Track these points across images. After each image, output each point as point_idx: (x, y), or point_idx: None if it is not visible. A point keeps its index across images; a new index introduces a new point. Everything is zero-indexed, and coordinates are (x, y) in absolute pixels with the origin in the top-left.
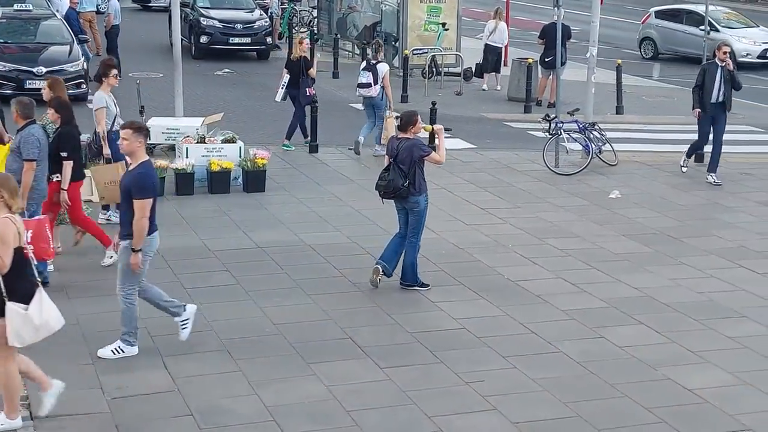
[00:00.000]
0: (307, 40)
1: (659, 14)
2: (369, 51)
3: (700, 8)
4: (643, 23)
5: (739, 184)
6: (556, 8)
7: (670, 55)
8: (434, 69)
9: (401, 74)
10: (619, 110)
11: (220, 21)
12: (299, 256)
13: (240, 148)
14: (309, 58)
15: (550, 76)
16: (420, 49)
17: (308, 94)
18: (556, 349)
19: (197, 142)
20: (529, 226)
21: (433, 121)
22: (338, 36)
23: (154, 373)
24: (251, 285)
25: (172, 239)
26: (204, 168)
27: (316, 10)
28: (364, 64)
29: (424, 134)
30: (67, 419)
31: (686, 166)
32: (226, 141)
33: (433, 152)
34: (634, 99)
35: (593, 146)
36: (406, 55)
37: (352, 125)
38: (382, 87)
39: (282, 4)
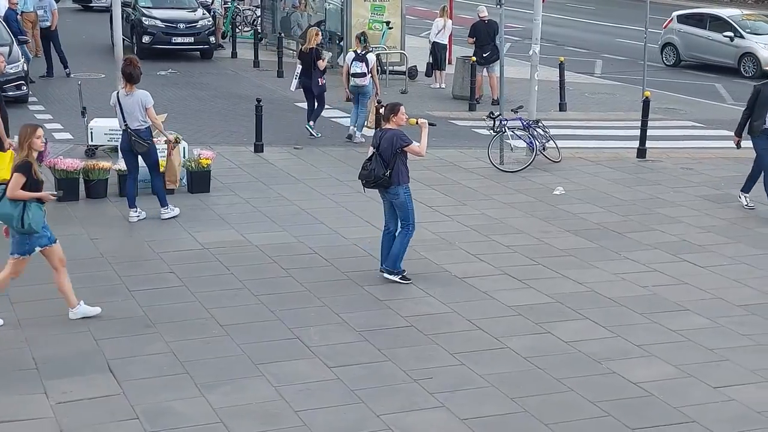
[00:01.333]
0: (320, 32)
1: (682, 19)
2: (357, 41)
3: (724, 12)
4: (664, 28)
5: (680, 180)
6: (498, 6)
7: (693, 62)
8: (379, 67)
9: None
10: (562, 107)
11: (163, 21)
12: (246, 256)
13: (183, 148)
14: (319, 49)
15: (485, 74)
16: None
17: (320, 83)
18: (503, 345)
19: None
20: (475, 223)
21: (378, 120)
22: (282, 35)
23: (99, 376)
24: (197, 286)
25: (116, 241)
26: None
27: (259, 9)
28: (352, 55)
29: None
30: (10, 425)
31: (749, 204)
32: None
33: (414, 143)
34: (577, 96)
35: (537, 143)
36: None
37: (297, 124)
38: (370, 76)
39: (225, 3)
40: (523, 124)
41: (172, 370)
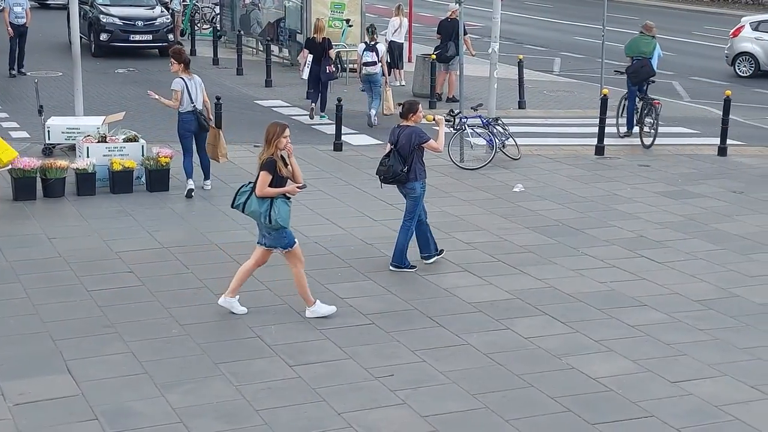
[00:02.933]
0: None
1: (757, 25)
2: (366, 34)
3: None
4: (734, 36)
5: (637, 176)
6: (457, 4)
7: None
8: (339, 65)
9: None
10: (521, 105)
11: (121, 18)
12: (206, 255)
13: (142, 146)
14: (330, 39)
15: (447, 71)
16: None
17: (328, 71)
18: (464, 342)
19: (98, 142)
20: (435, 220)
21: (339, 118)
22: (241, 33)
23: (57, 377)
24: (157, 286)
25: (74, 241)
26: (106, 168)
27: (218, 7)
28: (363, 45)
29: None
30: None
31: None
32: (128, 140)
33: (432, 140)
34: (536, 94)
35: (497, 141)
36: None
37: (257, 122)
38: (382, 64)
39: (183, 0)
40: (482, 121)
41: (131, 370)
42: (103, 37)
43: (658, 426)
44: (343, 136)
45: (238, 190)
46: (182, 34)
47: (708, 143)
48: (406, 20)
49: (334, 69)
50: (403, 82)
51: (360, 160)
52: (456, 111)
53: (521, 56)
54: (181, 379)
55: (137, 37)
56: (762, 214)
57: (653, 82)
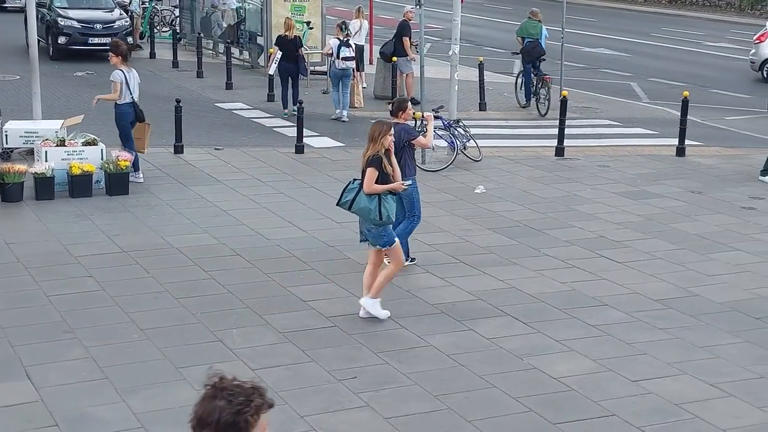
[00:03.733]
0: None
1: None
2: (339, 30)
3: None
4: (759, 42)
5: (597, 177)
6: (418, 7)
7: None
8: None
9: (266, 74)
10: (482, 107)
11: (79, 21)
12: (166, 259)
13: (101, 150)
14: (300, 37)
15: (407, 73)
16: None
17: (303, 68)
18: (426, 343)
19: (57, 145)
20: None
21: (300, 120)
22: (201, 35)
23: (16, 384)
24: (117, 290)
25: (33, 245)
26: (64, 171)
27: (178, 10)
28: (337, 42)
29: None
30: None
31: None
32: (86, 143)
33: (421, 136)
34: (497, 95)
35: (458, 142)
36: (271, 53)
37: (218, 125)
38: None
39: (143, 3)
40: (444, 123)
41: (91, 375)
42: (62, 40)
43: (620, 425)
44: (304, 139)
45: (345, 188)
46: (141, 37)
47: (666, 144)
48: (366, 22)
49: (306, 65)
50: (365, 85)
51: (322, 163)
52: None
53: (482, 58)
54: (142, 385)
55: (96, 40)
56: (720, 213)
57: (544, 59)
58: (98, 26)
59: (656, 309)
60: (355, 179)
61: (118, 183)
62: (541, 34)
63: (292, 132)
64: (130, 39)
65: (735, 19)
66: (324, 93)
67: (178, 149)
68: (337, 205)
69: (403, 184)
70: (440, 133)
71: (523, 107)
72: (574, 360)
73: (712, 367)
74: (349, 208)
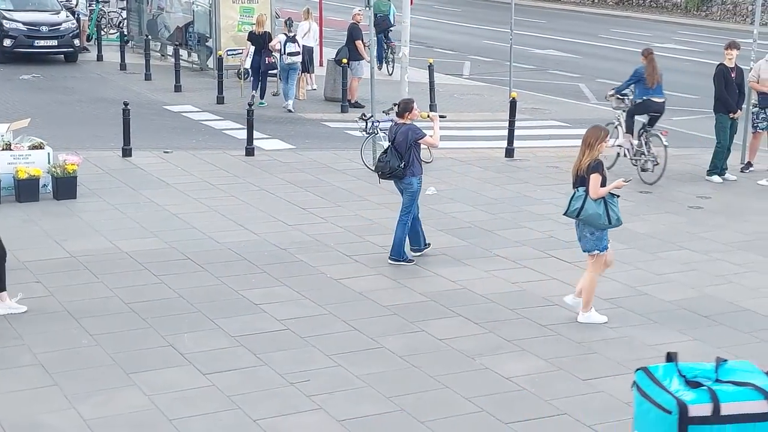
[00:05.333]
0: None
1: None
2: (285, 26)
3: None
4: None
5: (546, 177)
6: (366, 8)
7: None
8: (250, 70)
9: (216, 76)
10: (432, 108)
11: (24, 23)
12: (115, 264)
13: (48, 154)
14: (270, 33)
15: (355, 75)
16: (234, 50)
17: (267, 62)
18: (379, 345)
19: (2, 149)
20: (350, 224)
21: (250, 123)
22: (149, 37)
23: None
24: (65, 296)
25: None
26: (11, 176)
27: (125, 12)
28: (284, 37)
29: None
30: None
31: None
32: (33, 147)
33: (428, 136)
34: (447, 97)
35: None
36: (220, 56)
37: (167, 128)
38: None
39: (89, 5)
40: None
41: (41, 382)
42: (7, 42)
43: (571, 423)
44: (255, 141)
45: (572, 197)
46: (88, 39)
47: (615, 144)
48: (315, 24)
49: (273, 60)
50: (315, 87)
51: (272, 165)
52: (368, 115)
53: (431, 60)
54: (92, 390)
55: (42, 43)
56: (669, 213)
57: (392, 30)
58: (44, 28)
59: (606, 308)
60: (578, 188)
61: (65, 187)
62: (390, 11)
63: (242, 134)
64: (76, 41)
65: (681, 21)
66: (274, 95)
67: (127, 152)
68: (564, 214)
69: (623, 181)
70: None
71: (380, 69)
72: (526, 359)
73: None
74: (577, 216)
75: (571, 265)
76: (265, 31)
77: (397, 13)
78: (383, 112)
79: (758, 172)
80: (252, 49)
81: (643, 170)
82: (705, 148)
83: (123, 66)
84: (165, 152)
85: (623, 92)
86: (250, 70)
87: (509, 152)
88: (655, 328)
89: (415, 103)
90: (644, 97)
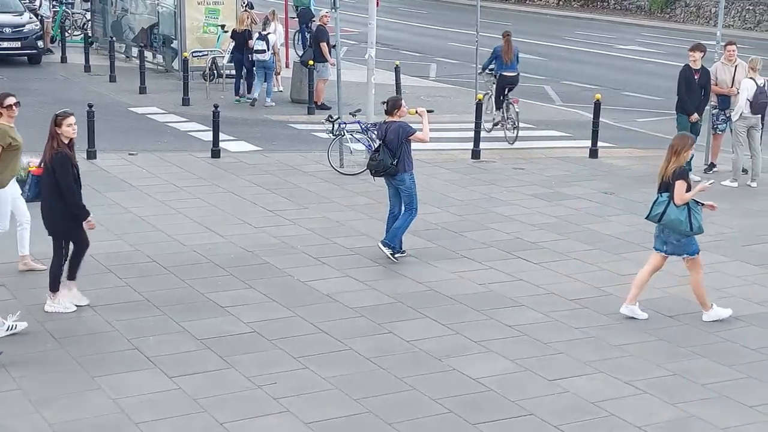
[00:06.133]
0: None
1: None
2: (262, 24)
3: None
4: None
5: (512, 179)
6: (333, 10)
7: None
8: (215, 71)
9: (181, 77)
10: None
11: None
12: (80, 266)
13: None
14: (251, 31)
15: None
16: (199, 52)
17: (249, 58)
18: (347, 347)
19: None
20: (316, 226)
21: (216, 124)
22: (113, 39)
23: None
24: (29, 299)
25: None
26: None
27: (89, 13)
28: (257, 35)
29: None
30: None
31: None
32: None
33: (418, 132)
34: (413, 99)
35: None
36: (186, 57)
37: (132, 130)
38: (273, 53)
39: (53, 6)
40: (361, 127)
41: (3, 386)
42: None
43: (537, 424)
44: (221, 143)
45: (655, 202)
46: (52, 41)
47: (579, 146)
48: (281, 26)
49: (253, 57)
50: (281, 88)
51: (238, 167)
52: (335, 116)
53: (398, 62)
54: (56, 394)
55: (5, 45)
56: (632, 214)
57: (313, 21)
58: (7, 30)
59: (572, 309)
60: (663, 193)
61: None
62: (310, 3)
63: (208, 136)
64: (40, 43)
65: (645, 23)
66: (241, 96)
67: (91, 155)
68: (646, 218)
69: (706, 183)
70: (358, 136)
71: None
72: (493, 360)
73: (627, 365)
74: (659, 221)
75: (537, 266)
76: (245, 29)
77: (314, 6)
78: (350, 114)
79: (721, 173)
80: (232, 45)
81: (506, 130)
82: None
83: (87, 68)
84: (130, 154)
85: (489, 68)
86: (231, 64)
87: (476, 154)
88: (620, 328)
89: (403, 101)
90: (500, 72)
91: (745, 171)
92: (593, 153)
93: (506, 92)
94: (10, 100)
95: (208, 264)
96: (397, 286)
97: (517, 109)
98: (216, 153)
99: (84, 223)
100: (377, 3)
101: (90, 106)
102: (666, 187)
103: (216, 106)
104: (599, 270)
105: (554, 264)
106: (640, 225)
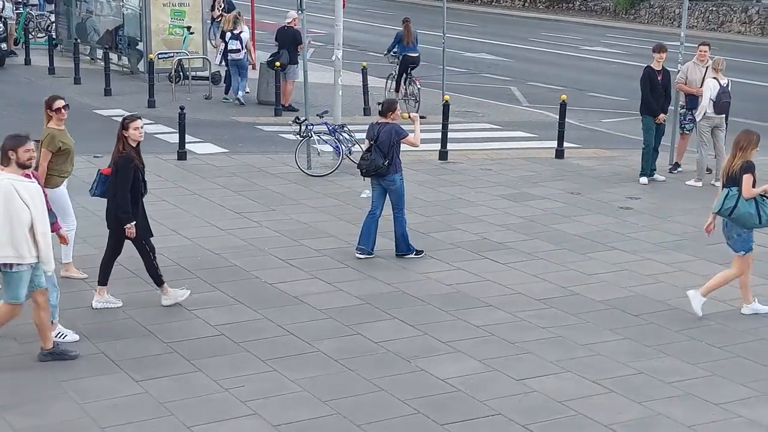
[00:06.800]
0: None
1: None
2: (233, 23)
3: None
4: None
5: (479, 180)
6: (299, 12)
7: None
8: (181, 73)
9: (146, 79)
10: (366, 111)
11: None
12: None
13: None
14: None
15: (284, 80)
16: (165, 53)
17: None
18: (315, 349)
19: None
20: (284, 228)
21: (182, 127)
22: (78, 41)
23: None
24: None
25: None
26: None
27: (54, 15)
28: (229, 35)
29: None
30: None
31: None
32: None
33: (410, 135)
34: (381, 100)
35: (343, 147)
36: (151, 59)
37: (96, 132)
38: (246, 51)
39: (16, 8)
40: (328, 128)
41: None
42: None
43: (505, 423)
44: (187, 145)
45: (725, 196)
46: (16, 43)
47: (546, 146)
48: (247, 27)
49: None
50: (248, 90)
51: (205, 169)
52: (302, 118)
53: (365, 63)
54: (21, 400)
55: None
56: (598, 214)
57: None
58: None
59: (539, 309)
60: (730, 188)
61: None
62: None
63: (174, 138)
64: (3, 45)
65: (610, 24)
66: (206, 98)
67: None
68: (717, 213)
69: None
70: (325, 138)
71: (216, 47)
72: (461, 361)
73: (594, 365)
74: (729, 215)
75: (504, 266)
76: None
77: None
78: (317, 115)
79: (686, 173)
80: (223, 46)
81: (408, 106)
82: (633, 150)
83: (52, 70)
84: (95, 157)
85: (393, 51)
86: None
87: (443, 155)
88: (587, 327)
89: (398, 104)
90: (403, 53)
91: (709, 170)
92: (559, 153)
93: (409, 71)
94: (59, 103)
95: (175, 267)
96: (365, 288)
97: (419, 86)
98: (182, 155)
99: (125, 227)
100: (344, 4)
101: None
102: (733, 181)
103: (182, 108)
104: (566, 270)
105: (521, 264)
106: (606, 225)
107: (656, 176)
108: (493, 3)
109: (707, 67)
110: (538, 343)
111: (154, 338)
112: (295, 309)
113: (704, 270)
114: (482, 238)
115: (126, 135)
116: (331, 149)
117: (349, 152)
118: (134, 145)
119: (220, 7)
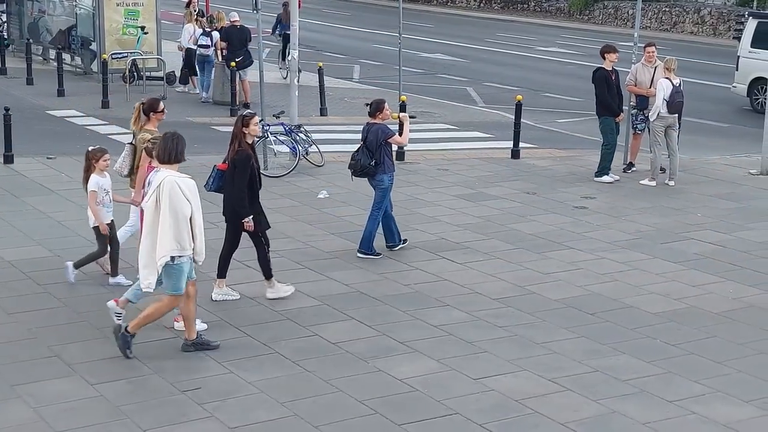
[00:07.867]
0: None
1: None
2: (206, 20)
3: None
4: None
5: (436, 180)
6: (255, 11)
7: None
8: (135, 73)
9: (100, 80)
10: (323, 112)
11: None
12: None
13: None
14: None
15: (243, 78)
16: (119, 53)
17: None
18: (272, 351)
19: None
20: None
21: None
22: (30, 41)
23: None
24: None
25: None
26: None
27: (5, 15)
28: (201, 31)
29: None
30: None
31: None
32: None
33: (397, 135)
34: (337, 101)
35: (300, 148)
36: (105, 59)
37: (50, 133)
38: (215, 49)
39: None
40: (285, 129)
41: None
42: None
43: (462, 422)
44: None
45: None
46: None
47: (502, 147)
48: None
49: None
50: (200, 91)
51: None
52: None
53: (321, 63)
54: None
55: None
56: (554, 213)
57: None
58: None
59: (495, 308)
60: None
61: None
62: None
63: (128, 139)
64: None
65: (564, 24)
66: (162, 99)
67: (8, 159)
68: None
69: None
70: (282, 138)
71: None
72: (418, 360)
73: (550, 363)
74: None
75: (461, 266)
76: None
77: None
78: (273, 115)
79: (640, 173)
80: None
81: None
82: (587, 150)
83: (3, 70)
84: (48, 158)
85: (278, 31)
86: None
87: (400, 155)
88: (543, 326)
89: (386, 104)
90: (284, 31)
91: (663, 170)
92: (515, 154)
93: (288, 46)
94: (162, 105)
95: (130, 269)
96: (322, 288)
97: (295, 57)
98: None
99: (242, 221)
100: (300, 4)
101: (7, 109)
102: None
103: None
104: (522, 269)
105: (478, 264)
106: (562, 224)
107: (611, 175)
108: (449, 3)
109: (656, 68)
110: (495, 342)
111: (108, 341)
112: (251, 310)
113: (658, 268)
114: (439, 238)
115: (246, 131)
116: (287, 150)
117: (306, 153)
118: (250, 141)
119: (194, 11)
